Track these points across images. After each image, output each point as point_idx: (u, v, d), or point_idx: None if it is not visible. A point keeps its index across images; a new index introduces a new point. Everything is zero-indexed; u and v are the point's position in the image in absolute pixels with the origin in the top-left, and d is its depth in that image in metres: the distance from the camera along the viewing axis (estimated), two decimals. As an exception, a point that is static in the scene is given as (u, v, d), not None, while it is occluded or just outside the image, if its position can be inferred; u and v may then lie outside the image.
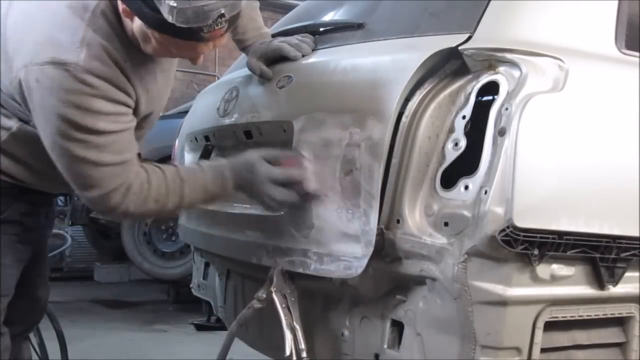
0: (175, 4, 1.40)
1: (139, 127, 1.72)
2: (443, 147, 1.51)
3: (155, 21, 1.47)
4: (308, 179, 1.67)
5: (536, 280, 1.44)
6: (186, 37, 1.49)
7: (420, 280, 1.52)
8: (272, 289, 1.71)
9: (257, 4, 2.04)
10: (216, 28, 1.47)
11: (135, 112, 1.67)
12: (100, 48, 1.54)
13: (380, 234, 1.53)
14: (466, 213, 1.41)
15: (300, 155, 1.70)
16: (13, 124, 1.68)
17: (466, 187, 1.43)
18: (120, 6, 1.54)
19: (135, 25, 1.54)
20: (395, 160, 1.53)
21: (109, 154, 1.58)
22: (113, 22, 1.58)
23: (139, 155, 1.93)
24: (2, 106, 1.68)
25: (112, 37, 1.57)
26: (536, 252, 1.41)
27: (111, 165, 1.58)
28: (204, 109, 2.29)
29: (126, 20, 1.56)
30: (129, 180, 1.62)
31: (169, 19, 1.42)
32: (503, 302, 1.41)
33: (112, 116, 1.57)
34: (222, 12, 1.44)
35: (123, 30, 1.59)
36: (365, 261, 1.53)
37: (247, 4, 1.99)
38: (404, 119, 1.53)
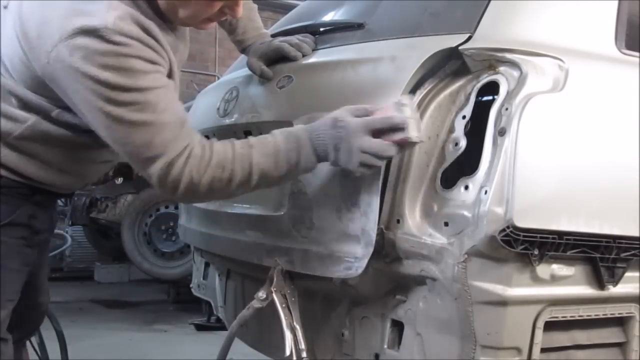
0: None
1: None
2: (443, 147, 1.51)
3: None
4: (410, 125, 1.44)
5: (536, 280, 1.44)
6: None
7: (420, 280, 1.52)
8: (272, 289, 1.71)
9: (255, 5, 2.04)
10: None
11: (171, 75, 1.63)
12: (126, 12, 1.51)
13: (380, 234, 1.53)
14: (466, 213, 1.41)
15: (399, 102, 1.46)
16: (29, 117, 1.64)
17: (466, 187, 1.43)
18: None
19: None
20: (395, 161, 1.53)
21: (163, 112, 1.51)
22: (139, 1, 1.56)
23: None
24: (20, 99, 1.65)
25: (138, 7, 1.55)
26: (536, 252, 1.41)
27: (170, 124, 1.52)
28: (204, 109, 2.29)
29: None
30: (191, 144, 1.54)
31: None
32: (503, 302, 1.41)
33: (151, 74, 1.52)
34: None
35: (149, 7, 1.57)
36: (365, 261, 1.53)
37: (246, 5, 2.00)
38: (404, 119, 1.53)
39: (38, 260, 1.94)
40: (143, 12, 1.57)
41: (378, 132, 1.47)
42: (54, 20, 1.50)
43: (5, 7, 1.68)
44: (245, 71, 2.04)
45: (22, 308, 1.89)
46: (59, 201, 2.12)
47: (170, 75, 1.62)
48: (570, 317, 1.52)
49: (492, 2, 1.60)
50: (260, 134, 1.91)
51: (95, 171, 1.86)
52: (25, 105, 1.65)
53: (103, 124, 1.51)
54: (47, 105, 1.62)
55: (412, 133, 1.43)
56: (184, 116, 1.57)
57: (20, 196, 1.72)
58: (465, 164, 1.46)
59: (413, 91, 1.54)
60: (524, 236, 1.37)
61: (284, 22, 2.38)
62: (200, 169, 1.53)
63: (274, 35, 2.03)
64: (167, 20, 1.63)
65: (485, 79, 1.49)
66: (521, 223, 1.36)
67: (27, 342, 2.22)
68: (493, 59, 1.50)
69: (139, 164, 1.56)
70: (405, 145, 1.47)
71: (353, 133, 1.49)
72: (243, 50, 2.02)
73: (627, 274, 1.56)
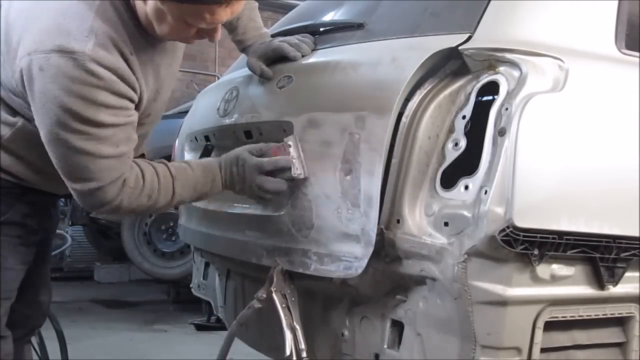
0: None
1: (140, 123, 1.70)
2: (443, 147, 1.51)
3: None
4: (294, 165, 1.70)
5: (536, 280, 1.44)
6: (204, 0, 1.47)
7: (420, 280, 1.52)
8: (272, 289, 1.71)
9: (256, 4, 2.04)
10: None
11: (138, 106, 1.65)
12: (107, 38, 1.51)
13: (380, 234, 1.52)
14: (466, 213, 1.41)
15: (285, 144, 1.73)
16: (17, 120, 1.66)
17: (466, 187, 1.43)
18: None
19: (149, 6, 1.52)
20: (395, 160, 1.53)
21: (107, 146, 1.55)
22: (122, 12, 1.55)
23: (143, 155, 1.93)
24: (6, 103, 1.66)
25: (119, 28, 1.55)
26: (536, 252, 1.41)
27: (109, 158, 1.56)
28: (204, 109, 2.29)
29: (138, 3, 1.54)
30: (126, 174, 1.61)
31: None
32: (503, 302, 1.41)
33: (114, 109, 1.54)
34: None
35: (131, 20, 1.56)
36: (365, 261, 1.53)
37: (247, 4, 1.99)
38: (404, 119, 1.53)
39: (39, 258, 1.94)
40: (129, 32, 1.56)
41: (270, 172, 1.74)
42: (35, 30, 1.51)
43: None
44: (245, 71, 2.04)
45: (22, 306, 1.89)
46: (59, 201, 2.11)
47: (139, 103, 1.64)
48: (570, 317, 1.52)
49: (492, 2, 1.60)
50: (260, 134, 1.92)
51: None
52: (11, 109, 1.66)
53: (46, 136, 1.55)
54: (28, 110, 1.62)
55: (296, 172, 1.70)
56: (126, 150, 1.61)
57: (13, 195, 1.73)
58: (465, 164, 1.46)
59: (413, 91, 1.54)
60: (524, 236, 1.37)
61: (284, 22, 2.38)
62: (132, 198, 1.64)
63: (274, 35, 2.03)
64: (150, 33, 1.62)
65: (485, 79, 1.49)
66: (521, 223, 1.36)
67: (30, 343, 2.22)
68: (493, 59, 1.50)
69: (67, 180, 1.61)
70: (294, 179, 1.72)
71: (250, 171, 1.74)
72: (243, 50, 2.02)
73: (627, 274, 1.56)
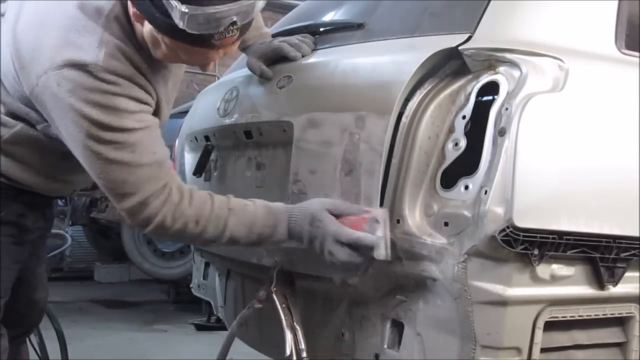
0: (186, 10, 1.38)
1: None
2: (443, 147, 1.51)
3: (166, 26, 1.45)
4: (379, 247, 1.50)
5: (536, 280, 1.44)
6: (197, 43, 1.47)
7: (420, 280, 1.52)
8: (272, 289, 1.71)
9: None
10: (227, 35, 1.45)
11: (156, 113, 1.65)
12: (117, 49, 1.53)
13: (381, 234, 1.52)
14: (466, 213, 1.41)
15: (373, 218, 1.51)
16: (17, 123, 1.67)
17: (466, 187, 1.43)
18: (131, 9, 1.52)
19: (146, 29, 1.53)
20: (395, 160, 1.53)
21: (142, 153, 1.54)
22: (126, 27, 1.57)
23: None
24: (8, 109, 1.67)
25: (125, 40, 1.56)
26: (536, 252, 1.41)
27: (146, 166, 1.55)
28: (204, 109, 2.29)
29: (137, 25, 1.55)
30: (169, 186, 1.57)
31: (180, 24, 1.40)
32: (503, 302, 1.41)
33: (136, 114, 1.54)
34: (234, 19, 1.42)
35: (136, 36, 1.58)
36: (365, 261, 1.53)
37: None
38: (404, 119, 1.53)
39: (34, 257, 1.94)
40: (133, 44, 1.57)
41: (347, 245, 1.53)
42: (46, 47, 1.52)
43: (2, 15, 1.68)
44: (245, 71, 2.04)
45: (18, 305, 1.89)
46: (59, 201, 2.12)
47: (156, 111, 1.64)
48: (570, 317, 1.52)
49: (492, 2, 1.60)
50: (260, 134, 1.92)
51: (83, 179, 1.84)
52: (13, 113, 1.67)
53: (81, 154, 1.54)
54: (35, 117, 1.63)
55: (380, 253, 1.49)
56: (163, 157, 1.59)
57: (7, 196, 1.73)
58: (465, 164, 1.46)
59: (413, 91, 1.54)
60: (524, 236, 1.37)
61: (284, 22, 2.38)
62: (175, 216, 1.57)
63: (274, 35, 2.03)
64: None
65: (485, 79, 1.49)
66: (521, 223, 1.36)
67: (27, 342, 2.22)
68: (493, 59, 1.50)
69: (112, 197, 1.59)
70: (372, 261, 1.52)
71: (326, 237, 1.55)
72: (243, 50, 2.01)
73: (627, 274, 1.56)
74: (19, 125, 1.67)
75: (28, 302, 2.00)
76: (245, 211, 1.61)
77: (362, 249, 1.52)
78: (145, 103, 1.59)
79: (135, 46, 1.58)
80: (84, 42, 1.50)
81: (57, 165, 1.73)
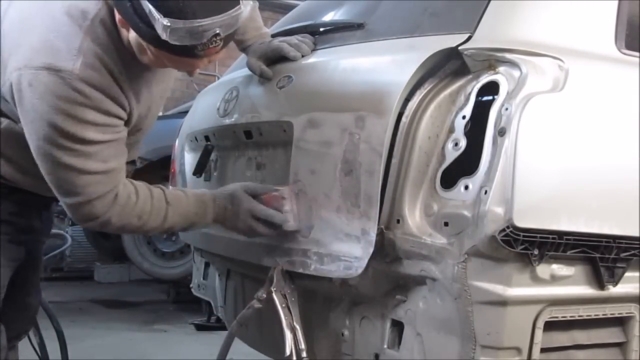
0: (168, 23, 1.38)
1: (130, 134, 1.72)
2: (443, 147, 1.51)
3: (150, 36, 1.46)
4: (287, 222, 1.72)
5: (536, 280, 1.44)
6: (181, 53, 1.48)
7: (420, 280, 1.52)
8: (272, 289, 1.71)
9: (257, 4, 2.04)
10: (211, 46, 1.46)
11: (127, 123, 1.67)
12: (96, 58, 1.53)
13: (380, 234, 1.52)
14: (466, 213, 1.41)
15: (278, 195, 1.73)
16: (2, 120, 1.67)
17: (466, 187, 1.43)
18: (117, 16, 1.53)
19: (131, 35, 1.53)
20: (395, 160, 1.53)
21: (94, 162, 1.57)
22: (112, 32, 1.57)
23: (134, 162, 1.92)
24: None
25: (109, 47, 1.56)
26: (536, 252, 1.41)
27: (96, 174, 1.58)
28: (204, 109, 2.29)
29: (123, 30, 1.56)
30: (116, 189, 1.62)
31: (163, 36, 1.41)
32: (503, 302, 1.41)
33: (101, 127, 1.56)
34: (217, 31, 1.43)
35: (121, 40, 1.58)
36: (365, 261, 1.53)
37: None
38: (404, 119, 1.53)
39: (30, 261, 1.92)
40: (118, 50, 1.57)
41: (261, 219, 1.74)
42: (26, 45, 1.53)
43: None
44: (245, 71, 2.04)
45: (9, 308, 1.87)
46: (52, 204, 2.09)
47: (128, 120, 1.66)
48: (570, 317, 1.52)
49: (492, 2, 1.60)
50: (260, 134, 1.92)
51: None
52: None
53: (35, 150, 1.57)
54: (17, 113, 1.62)
55: (289, 225, 1.73)
56: (115, 166, 1.62)
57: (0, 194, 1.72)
58: (465, 164, 1.46)
59: (413, 91, 1.54)
60: (524, 236, 1.37)
61: (284, 22, 2.38)
62: (121, 216, 1.64)
63: (274, 35, 2.03)
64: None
65: (485, 79, 1.49)
66: (521, 223, 1.36)
67: (28, 344, 2.20)
68: (493, 59, 1.50)
69: (57, 193, 1.63)
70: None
71: (242, 214, 1.74)
72: (243, 50, 2.01)
73: (627, 274, 1.56)
74: (4, 123, 1.67)
75: (20, 306, 1.99)
76: (181, 203, 1.73)
77: (275, 224, 1.72)
78: (115, 116, 1.60)
79: (119, 51, 1.58)
80: (63, 48, 1.51)
81: None
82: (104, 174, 1.59)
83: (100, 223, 1.64)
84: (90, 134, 1.54)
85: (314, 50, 1.92)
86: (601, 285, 1.53)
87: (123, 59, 1.59)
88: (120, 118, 1.62)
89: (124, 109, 1.62)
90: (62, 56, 1.50)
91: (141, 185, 1.70)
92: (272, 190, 1.76)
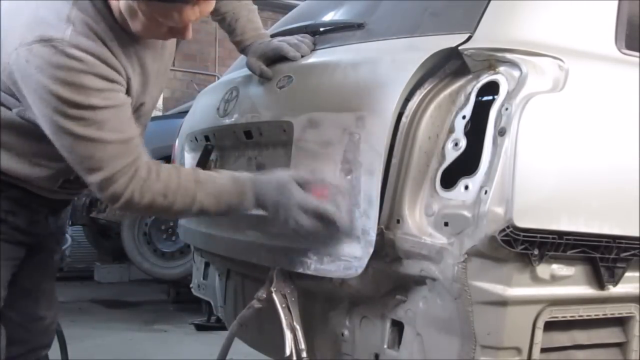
0: None
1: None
2: (443, 147, 1.51)
3: None
4: (341, 218, 1.57)
5: (536, 280, 1.44)
6: None
7: (420, 280, 1.52)
8: (272, 289, 1.71)
9: (255, 7, 2.05)
10: None
11: (129, 92, 1.65)
12: (85, 25, 1.54)
13: (380, 234, 1.52)
14: (466, 213, 1.41)
15: (335, 187, 1.59)
16: (1, 109, 1.65)
17: (466, 187, 1.43)
18: None
19: (122, 3, 1.54)
20: (395, 160, 1.53)
21: (109, 131, 1.55)
22: (100, 8, 1.58)
23: None
24: None
25: (98, 17, 1.57)
26: (536, 252, 1.41)
27: (114, 143, 1.55)
28: (204, 109, 2.29)
29: (113, 2, 1.57)
30: (136, 163, 1.58)
31: None
32: (503, 302, 1.41)
33: (104, 92, 1.55)
34: None
35: (111, 16, 1.59)
36: (365, 261, 1.53)
37: (245, 6, 2.00)
38: (404, 119, 1.53)
39: (37, 268, 1.88)
40: (106, 22, 1.58)
41: (312, 213, 1.59)
42: (18, 26, 1.55)
43: None
44: (245, 71, 2.04)
45: (20, 318, 1.84)
46: (63, 212, 2.05)
47: (127, 90, 1.64)
48: (570, 317, 1.52)
49: (492, 2, 1.60)
50: (260, 134, 1.92)
51: (65, 166, 1.77)
52: None
53: (50, 129, 1.56)
54: (11, 100, 1.63)
55: (344, 225, 1.56)
56: (131, 135, 1.60)
57: None
58: (465, 164, 1.46)
59: (413, 91, 1.54)
60: (524, 236, 1.37)
61: (284, 22, 2.38)
62: (143, 191, 1.58)
63: (273, 36, 2.03)
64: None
65: (485, 79, 1.49)
66: (521, 223, 1.36)
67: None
68: (493, 59, 1.50)
69: (81, 172, 1.61)
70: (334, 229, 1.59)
71: (290, 206, 1.59)
72: (242, 51, 2.02)
73: (627, 274, 1.56)
74: (4, 111, 1.66)
75: (32, 317, 1.94)
76: (213, 182, 1.64)
77: (327, 220, 1.58)
78: (114, 81, 1.59)
79: (109, 24, 1.59)
80: (52, 19, 1.52)
81: (41, 148, 1.68)
82: (122, 144, 1.56)
83: (125, 202, 1.58)
84: (94, 100, 1.52)
85: (313, 50, 1.92)
86: (601, 285, 1.53)
87: (113, 31, 1.59)
88: (119, 83, 1.61)
89: (119, 73, 1.61)
90: (52, 26, 1.51)
91: (166, 165, 1.65)
92: (322, 181, 1.62)
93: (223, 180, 1.65)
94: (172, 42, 1.84)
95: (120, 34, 1.61)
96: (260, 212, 1.67)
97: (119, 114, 1.58)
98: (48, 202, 1.86)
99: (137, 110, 1.75)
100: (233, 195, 1.64)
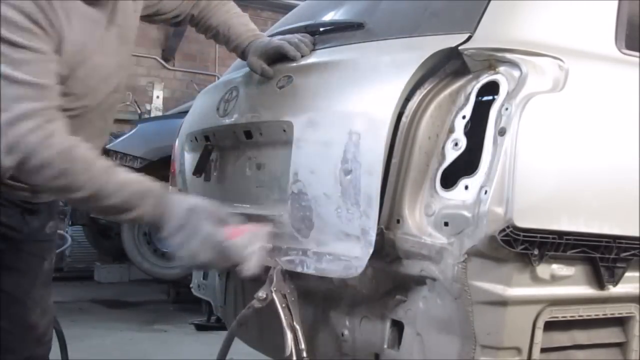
0: None
1: (71, 93, 1.59)
2: (443, 147, 1.51)
3: None
4: (247, 268, 1.48)
5: (536, 280, 1.44)
6: None
7: (420, 280, 1.52)
8: (272, 289, 1.71)
9: (246, 14, 2.06)
10: None
11: (59, 52, 1.55)
12: None
13: (380, 234, 1.52)
14: (466, 213, 1.41)
15: (252, 234, 1.51)
16: None
17: (466, 187, 1.43)
18: None
19: None
20: (395, 160, 1.53)
21: (23, 73, 1.46)
22: None
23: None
24: None
25: None
26: (536, 252, 1.41)
27: (24, 85, 1.46)
28: (203, 109, 2.29)
29: None
30: (46, 113, 1.47)
31: None
32: (503, 302, 1.41)
33: (26, 33, 1.47)
34: None
35: None
36: (365, 261, 1.53)
37: (235, 15, 2.00)
38: (404, 119, 1.53)
39: (25, 274, 1.81)
40: None
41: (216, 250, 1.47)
42: None
43: None
44: (245, 71, 2.04)
45: (8, 325, 1.78)
46: (59, 202, 2.01)
47: (59, 47, 1.54)
48: (570, 317, 1.52)
49: (492, 2, 1.60)
50: (260, 134, 1.92)
51: None
52: None
53: None
54: None
55: (248, 270, 1.47)
56: (47, 83, 1.50)
57: None
58: (465, 164, 1.46)
59: (413, 91, 1.54)
60: (524, 236, 1.37)
61: (283, 22, 2.38)
62: (45, 146, 1.44)
63: (273, 35, 2.03)
64: None
65: (485, 79, 1.49)
66: (521, 223, 1.36)
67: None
68: (493, 59, 1.50)
69: None
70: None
71: (197, 232, 1.46)
72: (242, 54, 2.00)
73: (627, 274, 1.56)
74: None
75: (22, 325, 1.83)
76: (119, 171, 1.51)
77: (231, 259, 1.48)
78: (36, 23, 1.49)
79: None
80: None
81: None
82: (33, 88, 1.47)
83: (24, 156, 1.44)
84: (14, 36, 1.45)
85: (313, 50, 1.92)
86: (601, 285, 1.53)
87: None
88: (43, 29, 1.51)
89: (48, 20, 1.51)
90: None
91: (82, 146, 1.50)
92: (242, 222, 1.54)
93: (131, 176, 1.52)
94: (133, 13, 1.76)
95: None
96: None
97: (40, 60, 1.49)
98: (24, 197, 1.73)
99: (89, 76, 1.64)
100: (135, 194, 1.49)
